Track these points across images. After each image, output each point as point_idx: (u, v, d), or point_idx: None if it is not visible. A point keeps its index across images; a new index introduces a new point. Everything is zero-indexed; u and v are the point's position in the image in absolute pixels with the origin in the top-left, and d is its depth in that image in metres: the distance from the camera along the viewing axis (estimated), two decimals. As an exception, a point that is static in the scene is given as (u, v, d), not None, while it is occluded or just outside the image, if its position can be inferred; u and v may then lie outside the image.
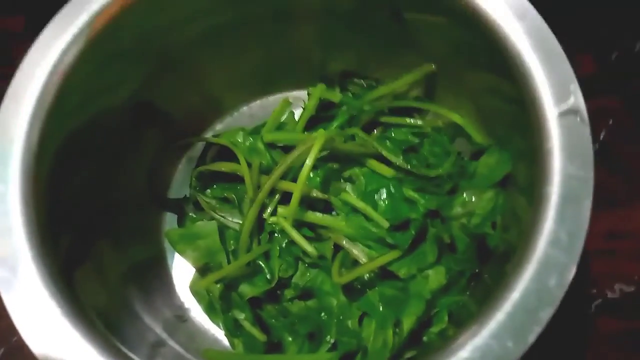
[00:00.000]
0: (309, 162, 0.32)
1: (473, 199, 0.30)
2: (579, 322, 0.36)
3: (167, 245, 0.37)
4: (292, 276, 0.34)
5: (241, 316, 0.33)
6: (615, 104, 0.41)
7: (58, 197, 0.28)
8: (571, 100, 0.25)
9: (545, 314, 0.22)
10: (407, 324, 0.29)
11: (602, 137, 0.40)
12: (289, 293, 0.34)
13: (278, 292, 0.35)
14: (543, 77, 0.26)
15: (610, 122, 0.41)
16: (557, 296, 0.22)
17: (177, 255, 0.36)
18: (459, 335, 0.22)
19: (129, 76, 0.32)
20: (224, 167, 0.36)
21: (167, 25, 0.31)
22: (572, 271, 0.22)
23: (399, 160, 0.34)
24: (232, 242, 0.35)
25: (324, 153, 0.34)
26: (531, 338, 0.21)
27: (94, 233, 0.31)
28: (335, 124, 0.37)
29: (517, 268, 0.23)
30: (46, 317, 0.23)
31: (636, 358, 0.35)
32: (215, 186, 0.37)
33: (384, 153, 0.34)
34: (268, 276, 0.33)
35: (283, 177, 0.33)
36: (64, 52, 0.28)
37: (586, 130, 0.24)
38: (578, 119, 0.24)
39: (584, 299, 0.36)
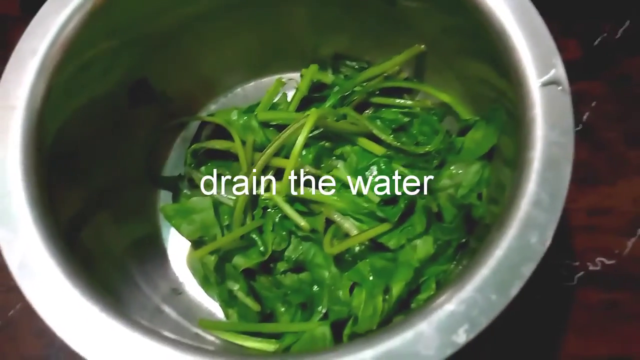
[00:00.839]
0: (301, 138, 0.32)
1: (460, 172, 0.32)
2: (562, 293, 0.37)
3: (162, 221, 0.38)
4: (285, 249, 0.35)
5: (235, 287, 0.34)
6: (598, 87, 0.43)
7: (58, 168, 0.29)
8: (553, 72, 0.26)
9: (527, 269, 0.23)
10: (396, 290, 0.30)
11: (585, 118, 0.42)
12: (281, 266, 0.35)
13: (271, 265, 0.35)
14: (527, 51, 0.27)
15: (593, 104, 0.42)
16: (539, 252, 0.23)
17: (172, 231, 0.37)
18: (446, 290, 0.23)
19: (125, 54, 0.33)
20: (218, 144, 0.37)
21: (159, 7, 0.32)
22: (552, 229, 0.23)
23: (389, 138, 0.35)
24: (226, 217, 0.36)
25: (316, 131, 0.36)
26: (513, 291, 0.22)
27: (92, 204, 0.32)
28: (327, 104, 0.38)
29: (501, 228, 0.24)
30: (47, 275, 0.24)
31: (615, 326, 0.37)
32: (209, 164, 0.38)
33: (375, 131, 0.35)
34: (261, 249, 0.34)
35: (276, 154, 0.34)
36: (64, 26, 0.29)
37: (567, 99, 0.26)
38: (560, 88, 0.26)
39: (567, 271, 0.38)
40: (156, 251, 0.36)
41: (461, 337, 0.22)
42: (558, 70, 0.26)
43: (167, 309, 0.31)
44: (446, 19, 0.32)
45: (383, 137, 0.35)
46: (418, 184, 0.33)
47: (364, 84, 0.38)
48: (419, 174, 0.34)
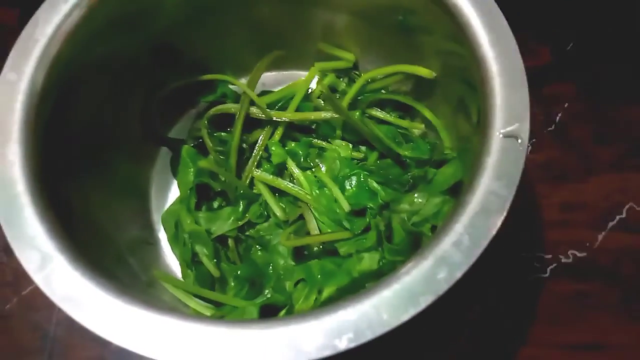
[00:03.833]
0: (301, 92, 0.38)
1: (421, 201, 0.33)
2: (535, 284, 0.39)
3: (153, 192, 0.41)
4: (259, 224, 0.38)
5: (203, 251, 0.37)
6: (570, 90, 0.45)
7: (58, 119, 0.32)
8: (516, 125, 0.27)
9: (425, 300, 0.23)
10: (326, 293, 0.32)
11: (558, 119, 0.44)
12: (252, 242, 0.38)
13: (242, 236, 0.38)
14: (501, 100, 0.27)
15: (566, 105, 0.44)
16: (442, 288, 0.24)
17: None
18: (348, 299, 0.24)
19: (156, 17, 0.36)
20: (234, 108, 0.39)
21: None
22: (462, 270, 0.24)
23: (392, 145, 0.37)
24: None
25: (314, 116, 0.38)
26: (405, 317, 0.23)
27: (85, 167, 0.35)
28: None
29: (418, 257, 0.25)
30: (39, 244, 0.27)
31: (585, 315, 0.38)
32: (214, 134, 0.41)
33: (379, 135, 0.37)
34: (240, 208, 0.37)
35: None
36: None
37: (522, 155, 0.26)
38: (519, 142, 0.26)
39: (540, 263, 0.39)
40: (137, 197, 0.40)
41: (342, 344, 0.23)
42: (523, 125, 0.27)
43: (130, 259, 0.34)
44: (449, 56, 0.33)
45: (387, 143, 0.37)
46: (386, 201, 0.35)
47: (366, 93, 0.39)
48: (389, 193, 0.35)
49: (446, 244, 0.25)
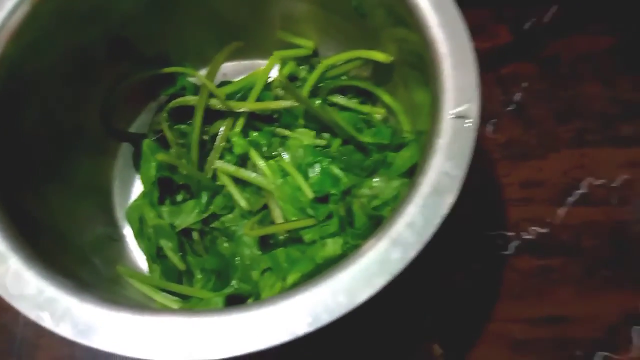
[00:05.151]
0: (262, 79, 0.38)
1: (381, 184, 0.33)
2: (499, 261, 0.40)
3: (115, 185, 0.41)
4: (223, 216, 0.38)
5: (168, 245, 0.37)
6: (529, 69, 0.46)
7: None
8: (466, 106, 0.27)
9: (380, 281, 0.24)
10: (290, 279, 0.32)
11: (517, 98, 0.45)
12: (218, 234, 0.38)
13: (207, 228, 0.38)
14: (451, 81, 0.28)
15: (525, 84, 0.45)
16: (397, 268, 0.24)
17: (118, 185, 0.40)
18: (304, 285, 0.25)
19: (111, 10, 0.36)
20: (193, 100, 0.38)
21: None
22: (416, 249, 0.24)
23: (353, 132, 0.37)
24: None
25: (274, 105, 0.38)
26: (361, 297, 0.24)
27: (44, 170, 0.34)
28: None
29: (374, 239, 0.25)
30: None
31: (548, 289, 0.39)
32: (175, 127, 0.41)
33: (341, 123, 0.37)
34: (204, 201, 0.37)
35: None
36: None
37: (471, 136, 0.26)
38: (469, 123, 0.27)
39: (503, 241, 0.41)
40: (100, 194, 0.39)
41: (301, 328, 0.23)
42: (472, 106, 0.27)
43: (93, 258, 0.34)
44: (402, 40, 0.33)
45: (348, 130, 0.37)
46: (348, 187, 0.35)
47: (327, 80, 0.39)
48: (351, 178, 0.35)
49: (400, 225, 0.25)
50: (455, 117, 0.27)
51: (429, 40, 0.29)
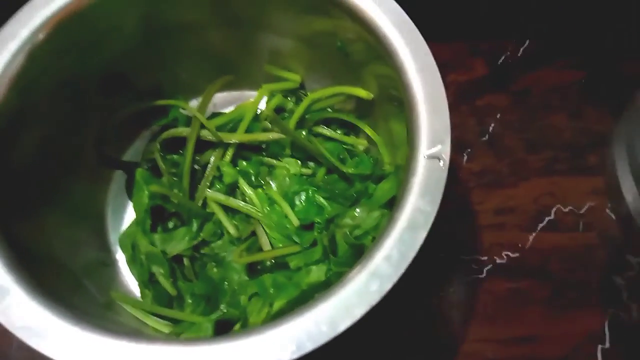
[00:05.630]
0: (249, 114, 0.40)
1: (362, 215, 0.35)
2: (473, 284, 0.43)
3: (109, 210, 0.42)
4: (213, 242, 0.39)
5: (159, 271, 0.39)
6: (502, 100, 0.49)
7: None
8: (439, 147, 0.29)
9: (359, 311, 0.26)
10: (277, 305, 0.34)
11: (491, 129, 0.48)
12: (207, 260, 0.39)
13: (197, 254, 0.40)
14: (426, 124, 0.30)
15: (498, 115, 0.48)
16: (374, 299, 0.26)
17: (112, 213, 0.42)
18: (291, 314, 0.27)
19: (105, 49, 0.38)
20: (185, 132, 0.41)
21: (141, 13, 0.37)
22: (392, 281, 0.27)
23: (337, 163, 0.39)
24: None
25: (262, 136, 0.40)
26: (342, 327, 0.26)
27: (40, 196, 0.35)
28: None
29: (354, 272, 0.27)
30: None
31: (519, 311, 0.42)
32: (167, 157, 0.43)
33: (325, 154, 0.39)
34: (194, 228, 0.39)
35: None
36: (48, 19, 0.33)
37: (443, 175, 0.29)
38: (441, 163, 0.29)
39: (477, 265, 0.43)
40: (93, 219, 0.41)
41: (286, 356, 0.25)
42: (445, 147, 0.29)
43: (86, 279, 0.36)
44: (382, 79, 0.36)
45: (332, 161, 0.39)
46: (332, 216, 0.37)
47: (313, 112, 0.42)
48: (335, 208, 0.38)
49: (378, 259, 0.27)
50: (429, 158, 0.29)
51: (406, 84, 0.32)
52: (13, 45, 0.33)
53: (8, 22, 0.33)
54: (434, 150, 0.29)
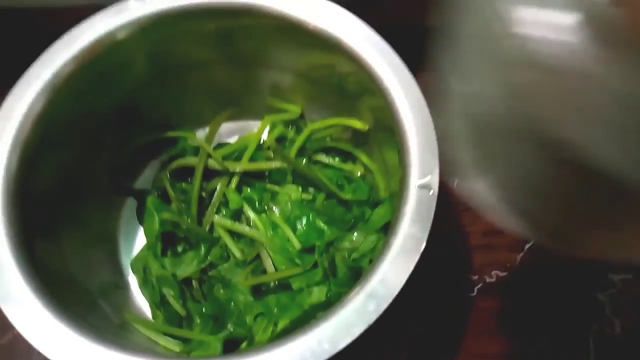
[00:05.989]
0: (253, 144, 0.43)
1: (359, 238, 0.38)
2: (464, 303, 0.45)
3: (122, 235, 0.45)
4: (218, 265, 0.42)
5: (170, 293, 0.41)
6: None
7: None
8: (429, 177, 0.32)
9: (358, 330, 0.29)
10: (281, 325, 0.36)
11: None
12: (214, 281, 0.42)
13: (205, 277, 0.42)
14: (416, 157, 0.33)
15: None
16: (372, 318, 0.29)
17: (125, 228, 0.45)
18: (295, 334, 0.29)
19: (118, 86, 0.41)
20: (193, 161, 0.44)
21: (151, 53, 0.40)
22: (387, 302, 0.29)
23: (336, 190, 0.42)
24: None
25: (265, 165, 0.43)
26: (342, 345, 0.28)
27: (59, 221, 0.38)
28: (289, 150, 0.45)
29: (353, 294, 0.30)
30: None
31: (508, 327, 0.44)
32: (176, 185, 0.45)
33: (325, 181, 0.42)
34: (202, 252, 0.41)
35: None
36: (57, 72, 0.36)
37: (433, 203, 0.32)
38: (431, 192, 0.32)
39: (468, 284, 0.45)
40: (108, 243, 0.43)
41: (291, 372, 0.28)
42: (434, 177, 0.32)
43: (100, 301, 0.38)
44: (377, 112, 0.39)
45: (331, 187, 0.42)
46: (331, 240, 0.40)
47: (312, 141, 0.45)
48: (334, 232, 0.40)
49: (374, 281, 0.30)
50: (420, 188, 0.32)
51: (398, 120, 0.34)
52: (37, 85, 0.36)
53: (33, 64, 0.36)
54: (424, 180, 0.32)
